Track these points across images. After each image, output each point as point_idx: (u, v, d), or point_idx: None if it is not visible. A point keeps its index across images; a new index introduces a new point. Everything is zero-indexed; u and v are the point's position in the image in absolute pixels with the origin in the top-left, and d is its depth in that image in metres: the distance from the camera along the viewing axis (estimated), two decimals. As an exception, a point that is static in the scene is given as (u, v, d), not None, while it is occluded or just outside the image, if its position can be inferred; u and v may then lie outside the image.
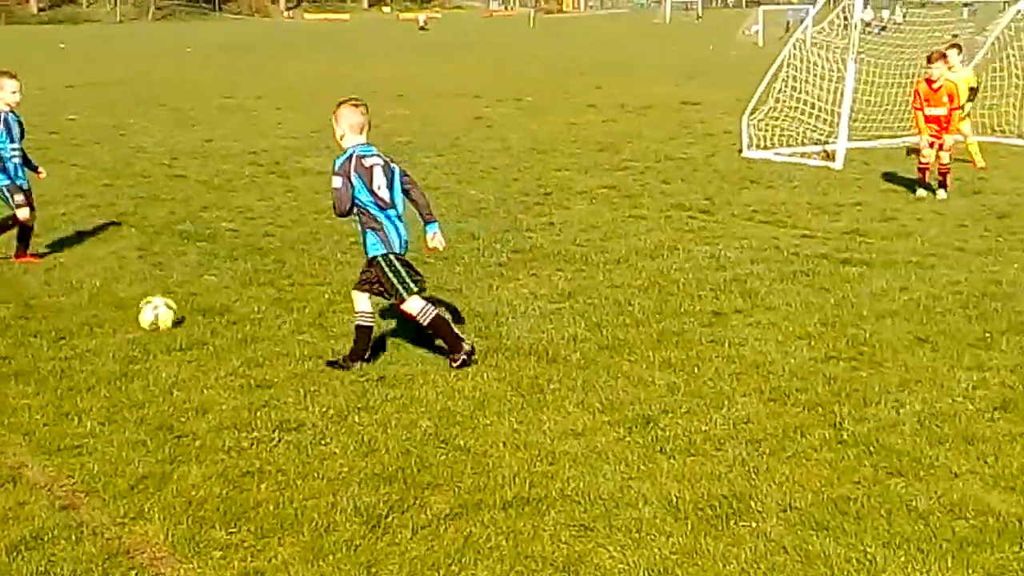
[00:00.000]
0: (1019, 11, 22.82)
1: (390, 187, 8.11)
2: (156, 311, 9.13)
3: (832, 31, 19.67)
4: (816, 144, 18.89)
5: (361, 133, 8.09)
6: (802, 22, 21.27)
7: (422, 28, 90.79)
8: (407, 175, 8.32)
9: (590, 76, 38.39)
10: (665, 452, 6.65)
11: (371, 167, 8.02)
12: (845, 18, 19.03)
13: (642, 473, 6.36)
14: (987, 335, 8.85)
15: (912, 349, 8.55)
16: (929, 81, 15.09)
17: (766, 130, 19.37)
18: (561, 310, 9.77)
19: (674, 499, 5.99)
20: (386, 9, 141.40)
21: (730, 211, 14.27)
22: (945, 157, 15.00)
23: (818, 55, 19.53)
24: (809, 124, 19.25)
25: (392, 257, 8.16)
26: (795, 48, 19.49)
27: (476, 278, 10.95)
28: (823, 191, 15.61)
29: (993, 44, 21.56)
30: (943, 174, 15.05)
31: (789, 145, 19.16)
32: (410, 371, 8.17)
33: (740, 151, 19.10)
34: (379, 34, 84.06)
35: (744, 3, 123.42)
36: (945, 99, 14.86)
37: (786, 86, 19.52)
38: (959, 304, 9.73)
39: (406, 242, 8.30)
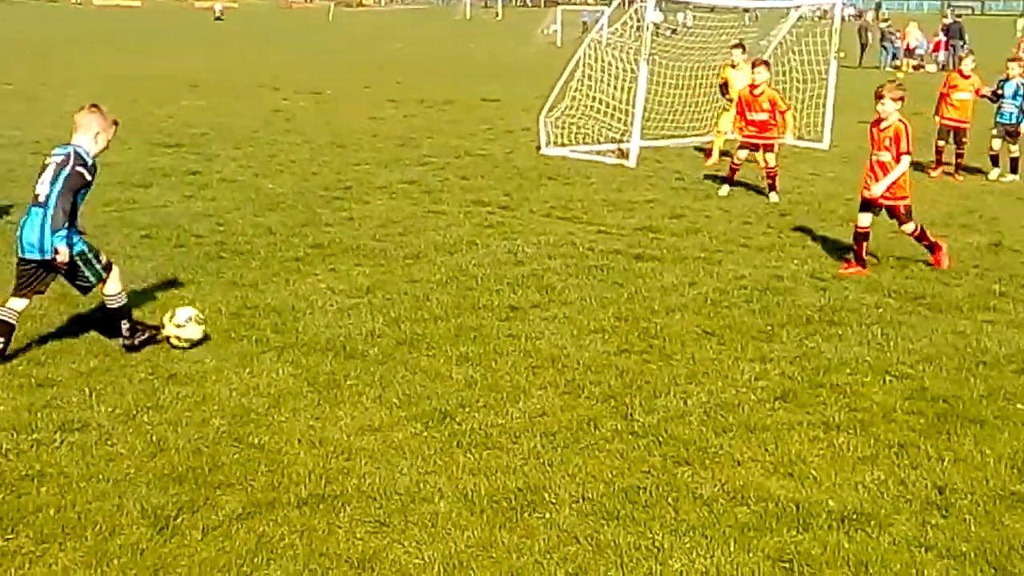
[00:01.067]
0: (800, 17, 23.92)
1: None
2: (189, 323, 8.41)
3: (626, 33, 20.15)
4: (611, 142, 19.33)
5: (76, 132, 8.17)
6: (598, 23, 21.66)
7: (218, 18, 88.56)
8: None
9: (390, 71, 38.25)
10: (462, 446, 6.70)
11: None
12: (638, 20, 19.53)
13: (438, 467, 6.39)
14: (769, 328, 9.25)
15: (700, 342, 8.86)
16: (752, 87, 15.72)
17: (563, 128, 19.71)
18: (359, 305, 9.71)
19: (470, 493, 6.04)
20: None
21: (528, 207, 14.46)
22: (771, 160, 15.60)
23: (612, 56, 19.99)
24: (604, 123, 19.69)
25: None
26: (590, 48, 19.90)
27: (272, 273, 10.76)
28: (617, 188, 16.00)
29: (776, 49, 22.50)
30: (771, 177, 15.58)
31: (585, 143, 19.55)
32: (203, 368, 7.97)
33: (538, 148, 19.38)
34: (173, 22, 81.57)
35: (543, 3, 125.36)
36: (767, 105, 15.47)
37: (582, 85, 19.90)
38: (743, 298, 10.14)
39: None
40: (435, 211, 14.08)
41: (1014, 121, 16.98)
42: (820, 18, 28.35)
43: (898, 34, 45.03)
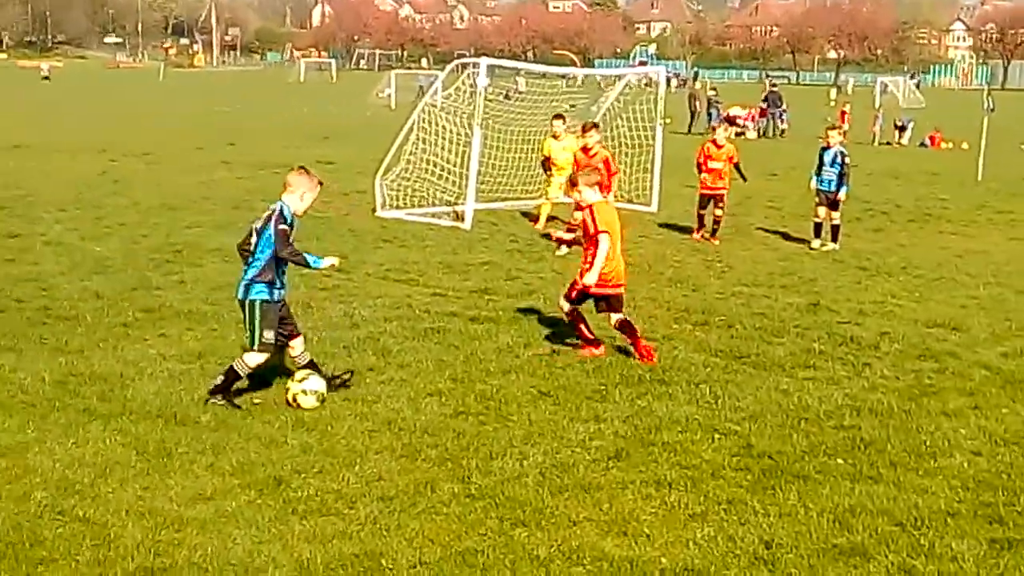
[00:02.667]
0: (628, 84, 24.69)
1: None
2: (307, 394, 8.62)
3: (459, 97, 20.43)
4: (447, 205, 19.49)
5: None
6: (432, 87, 21.90)
7: (45, 77, 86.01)
8: None
9: (223, 132, 37.76)
10: (297, 513, 6.61)
11: None
12: (471, 85, 19.83)
13: (273, 536, 6.28)
14: (602, 387, 9.43)
15: (535, 403, 8.97)
16: (585, 148, 16.39)
17: (399, 190, 19.79)
18: (191, 371, 9.51)
19: (306, 561, 5.96)
20: (2, 56, 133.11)
21: (364, 270, 14.43)
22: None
23: (447, 119, 20.22)
24: (440, 185, 19.86)
25: None
26: (425, 112, 20.09)
27: (99, 339, 10.45)
28: (453, 250, 16.13)
29: (605, 115, 23.12)
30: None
31: (421, 205, 19.66)
32: (24, 439, 7.67)
33: (374, 211, 19.39)
34: (-5, 80, 78.90)
35: (377, 67, 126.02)
36: (601, 166, 15.87)
37: (417, 148, 20.05)
38: (578, 359, 10.31)
39: None
40: (269, 274, 13.89)
41: (833, 189, 17.25)
42: (647, 85, 29.34)
43: (723, 103, 46.80)
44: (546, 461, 7.63)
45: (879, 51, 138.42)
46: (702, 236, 18.03)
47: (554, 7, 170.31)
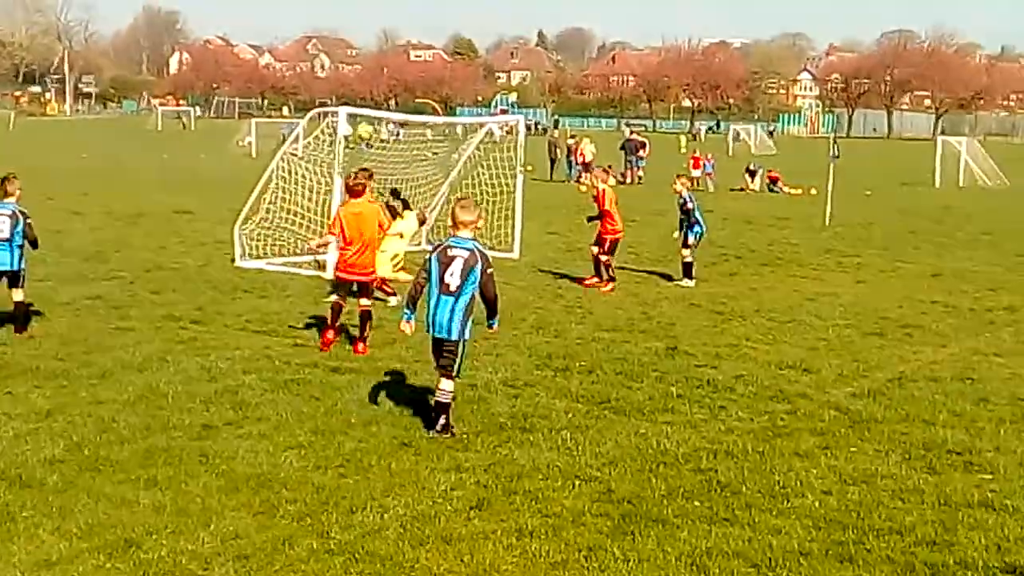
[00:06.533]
0: (489, 132, 24.91)
1: None
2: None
3: (319, 146, 20.30)
4: (307, 254, 19.29)
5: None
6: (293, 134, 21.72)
7: None
8: None
9: (76, 182, 36.78)
10: (148, 576, 6.40)
11: None
12: (331, 133, 19.74)
13: (124, 601, 6.07)
14: (464, 436, 9.42)
15: (396, 453, 8.91)
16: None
17: (259, 240, 19.53)
18: (38, 430, 9.17)
19: (158, 625, 5.77)
20: None
21: (222, 321, 14.17)
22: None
23: (307, 168, 20.06)
24: (300, 234, 19.65)
25: None
26: (284, 161, 19.91)
27: (-61, 399, 10.01)
28: (315, 300, 15.95)
29: (466, 163, 23.25)
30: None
31: (282, 255, 19.43)
32: None
33: (233, 261, 19.09)
34: None
35: (237, 115, 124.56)
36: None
37: (277, 197, 19.83)
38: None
39: None
40: (123, 327, 13.56)
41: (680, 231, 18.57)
42: (508, 133, 29.61)
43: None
44: (407, 513, 7.57)
45: (731, 100, 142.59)
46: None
47: (415, 55, 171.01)
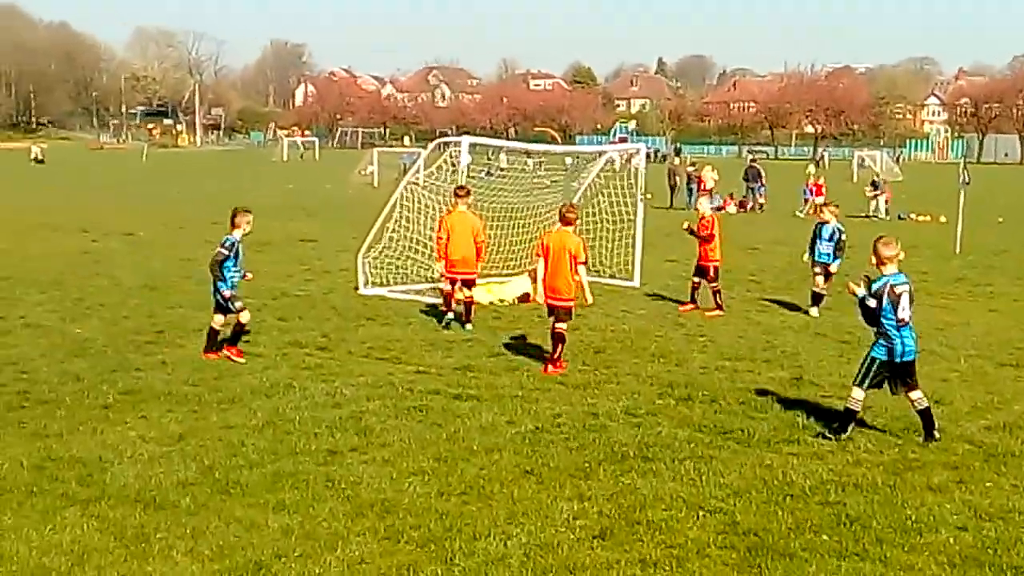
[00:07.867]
0: (609, 160, 24.88)
1: None
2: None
3: (441, 175, 20.53)
4: (429, 281, 19.50)
5: None
6: (415, 164, 22.02)
7: (39, 161, 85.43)
8: None
9: (206, 211, 37.82)
10: (278, 598, 6.51)
11: None
12: (453, 163, 19.94)
13: (254, 622, 6.18)
14: (586, 465, 9.38)
15: (519, 481, 8.91)
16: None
17: (382, 268, 19.81)
18: (171, 454, 9.42)
19: (286, 648, 5.85)
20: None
21: (347, 348, 14.40)
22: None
23: (429, 197, 20.31)
24: (422, 263, 19.88)
25: None
26: (406, 190, 20.18)
27: (79, 422, 10.37)
28: (436, 328, 16.10)
29: (586, 191, 23.26)
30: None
31: (404, 283, 19.67)
32: (0, 526, 7.56)
33: (357, 288, 19.39)
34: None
35: (360, 145, 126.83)
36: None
37: (399, 226, 20.10)
38: (561, 436, 10.27)
39: None
40: (251, 353, 13.87)
41: (829, 260, 18.19)
42: (627, 161, 29.54)
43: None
44: (530, 541, 7.56)
45: (856, 126, 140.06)
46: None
47: (535, 85, 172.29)
